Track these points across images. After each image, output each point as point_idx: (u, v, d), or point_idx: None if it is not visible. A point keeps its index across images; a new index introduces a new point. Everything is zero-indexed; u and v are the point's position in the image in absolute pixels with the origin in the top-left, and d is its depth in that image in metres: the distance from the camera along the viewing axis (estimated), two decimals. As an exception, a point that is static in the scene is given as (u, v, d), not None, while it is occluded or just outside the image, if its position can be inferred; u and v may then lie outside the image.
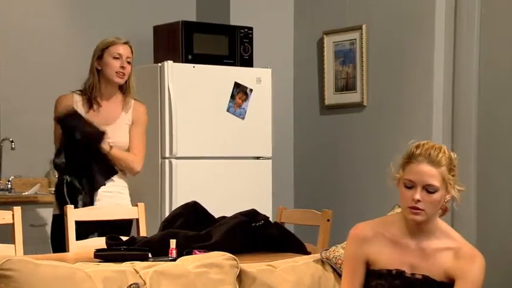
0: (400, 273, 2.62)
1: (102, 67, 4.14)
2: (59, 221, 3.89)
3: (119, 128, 4.16)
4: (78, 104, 4.15)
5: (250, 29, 5.46)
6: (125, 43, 4.17)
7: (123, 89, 4.21)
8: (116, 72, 4.12)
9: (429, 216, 2.58)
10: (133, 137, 4.20)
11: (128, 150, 4.19)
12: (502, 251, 4.79)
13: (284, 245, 3.54)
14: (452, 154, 2.61)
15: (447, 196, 2.59)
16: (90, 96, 4.14)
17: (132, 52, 4.18)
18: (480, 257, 2.61)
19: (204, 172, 5.11)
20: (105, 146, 4.07)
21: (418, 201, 2.53)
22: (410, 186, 2.56)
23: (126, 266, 2.70)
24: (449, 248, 2.61)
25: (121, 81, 4.15)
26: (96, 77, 4.15)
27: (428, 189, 2.54)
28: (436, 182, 2.53)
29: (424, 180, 2.53)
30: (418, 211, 2.54)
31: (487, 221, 4.92)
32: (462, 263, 2.58)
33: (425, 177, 2.53)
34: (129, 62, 4.15)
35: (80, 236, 3.80)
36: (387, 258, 2.65)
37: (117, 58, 4.12)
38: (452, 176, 2.58)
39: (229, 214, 3.64)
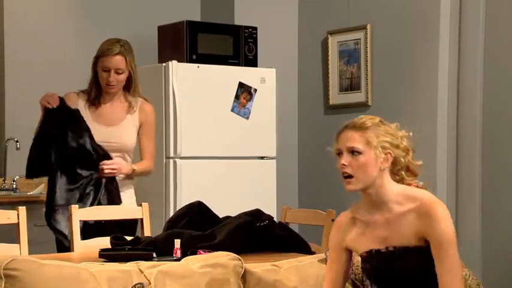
0: (377, 252, 2.61)
1: (98, 74, 4.14)
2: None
3: (124, 129, 4.17)
4: (83, 103, 4.16)
5: (255, 29, 5.45)
6: (117, 54, 4.06)
7: (128, 89, 4.21)
8: (106, 84, 4.11)
9: (363, 182, 2.60)
10: (143, 141, 4.22)
11: (140, 154, 4.22)
12: (506, 252, 4.78)
13: (288, 245, 3.54)
14: (391, 123, 2.71)
15: (383, 163, 2.58)
16: (90, 97, 4.15)
17: (125, 60, 4.07)
18: (439, 208, 2.53)
19: (209, 172, 5.11)
20: (127, 168, 4.11)
21: (344, 165, 2.60)
22: (339, 153, 2.65)
23: (131, 265, 2.71)
24: (410, 210, 2.56)
25: (111, 91, 4.13)
26: (94, 80, 4.15)
27: (353, 152, 2.60)
28: (358, 144, 2.60)
29: (346, 144, 2.63)
30: (349, 179, 2.61)
31: (491, 222, 4.92)
32: (426, 222, 2.51)
33: (347, 142, 2.63)
34: (120, 73, 4.08)
35: (86, 236, 3.82)
36: (363, 240, 2.65)
37: (105, 71, 4.09)
38: (386, 142, 2.61)
39: (233, 214, 3.64)
